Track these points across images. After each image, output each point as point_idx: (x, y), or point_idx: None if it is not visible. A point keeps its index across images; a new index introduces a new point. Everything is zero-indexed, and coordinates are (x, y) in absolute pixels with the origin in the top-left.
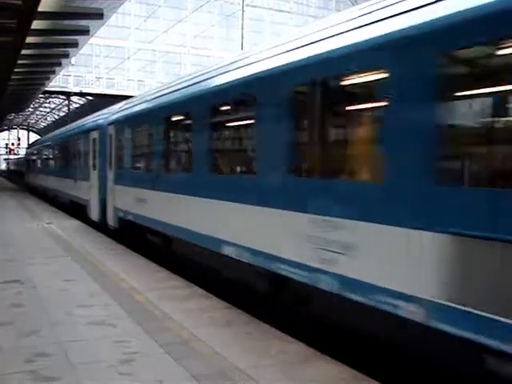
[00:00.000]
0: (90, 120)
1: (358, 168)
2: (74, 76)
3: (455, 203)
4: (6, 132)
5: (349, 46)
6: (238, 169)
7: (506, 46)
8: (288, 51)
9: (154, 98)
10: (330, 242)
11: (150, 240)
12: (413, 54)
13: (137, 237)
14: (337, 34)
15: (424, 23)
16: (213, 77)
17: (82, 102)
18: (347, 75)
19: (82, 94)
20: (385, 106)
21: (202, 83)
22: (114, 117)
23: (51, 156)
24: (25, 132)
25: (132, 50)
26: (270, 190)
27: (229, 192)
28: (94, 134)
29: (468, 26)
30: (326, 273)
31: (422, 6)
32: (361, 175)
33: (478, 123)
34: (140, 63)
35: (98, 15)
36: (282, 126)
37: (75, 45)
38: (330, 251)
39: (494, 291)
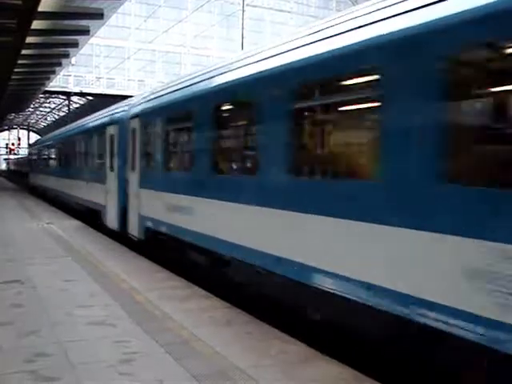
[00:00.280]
0: (104, 114)
1: None
2: (75, 76)
3: None
4: (6, 132)
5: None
6: (350, 169)
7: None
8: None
9: (200, 82)
10: None
11: (191, 258)
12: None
13: (171, 252)
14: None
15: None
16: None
17: (82, 102)
18: None
19: (82, 94)
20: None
21: (287, 55)
22: (139, 109)
23: (58, 155)
24: (25, 132)
25: (132, 49)
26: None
27: (339, 204)
28: (111, 130)
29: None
30: None
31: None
32: None
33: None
34: (140, 63)
35: (98, 15)
36: None
37: (75, 45)
38: None
39: None
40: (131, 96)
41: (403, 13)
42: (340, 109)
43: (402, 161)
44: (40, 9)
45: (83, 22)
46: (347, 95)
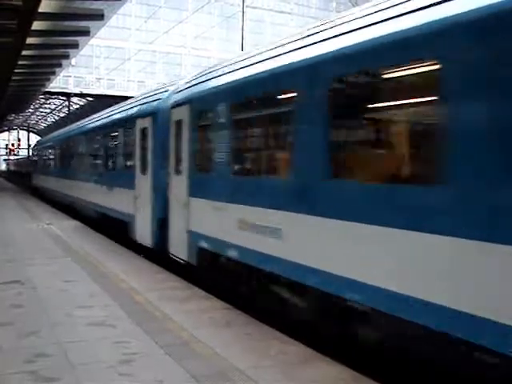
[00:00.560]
0: (131, 104)
1: None
2: (75, 77)
3: None
4: (6, 133)
5: None
6: None
7: None
8: None
9: (308, 46)
10: None
11: (277, 296)
12: None
13: (243, 285)
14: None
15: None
16: None
17: (82, 103)
18: None
19: (82, 95)
20: None
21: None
22: (187, 94)
23: (69, 155)
24: (25, 133)
25: (132, 50)
26: None
27: None
28: (143, 123)
29: None
30: None
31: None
32: None
33: None
34: (140, 64)
35: (99, 16)
36: None
37: (75, 46)
38: None
39: None
40: (131, 97)
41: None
42: None
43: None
44: (40, 10)
45: (83, 23)
46: None
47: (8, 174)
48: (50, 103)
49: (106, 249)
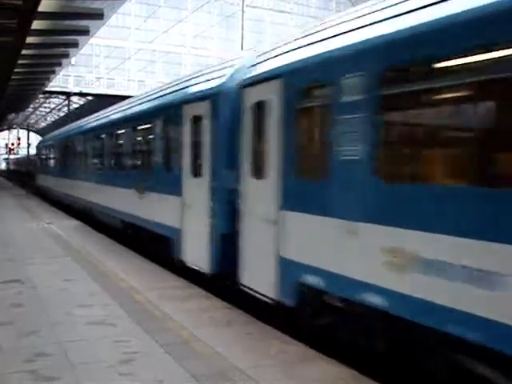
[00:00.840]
0: (175, 87)
1: None
2: (74, 76)
3: None
4: (6, 132)
5: None
6: None
7: None
8: None
9: None
10: None
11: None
12: None
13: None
14: None
15: None
16: None
17: (82, 102)
18: None
19: (82, 94)
20: None
21: None
22: (276, 65)
23: (86, 152)
24: (25, 132)
25: (132, 50)
26: None
27: None
28: (197, 109)
29: None
30: None
31: None
32: None
33: None
34: (140, 63)
35: (99, 15)
36: None
37: (75, 45)
38: None
39: None
40: (131, 96)
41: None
42: None
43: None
44: (40, 9)
45: (83, 22)
46: None
47: (8, 174)
48: (49, 102)
49: (106, 248)
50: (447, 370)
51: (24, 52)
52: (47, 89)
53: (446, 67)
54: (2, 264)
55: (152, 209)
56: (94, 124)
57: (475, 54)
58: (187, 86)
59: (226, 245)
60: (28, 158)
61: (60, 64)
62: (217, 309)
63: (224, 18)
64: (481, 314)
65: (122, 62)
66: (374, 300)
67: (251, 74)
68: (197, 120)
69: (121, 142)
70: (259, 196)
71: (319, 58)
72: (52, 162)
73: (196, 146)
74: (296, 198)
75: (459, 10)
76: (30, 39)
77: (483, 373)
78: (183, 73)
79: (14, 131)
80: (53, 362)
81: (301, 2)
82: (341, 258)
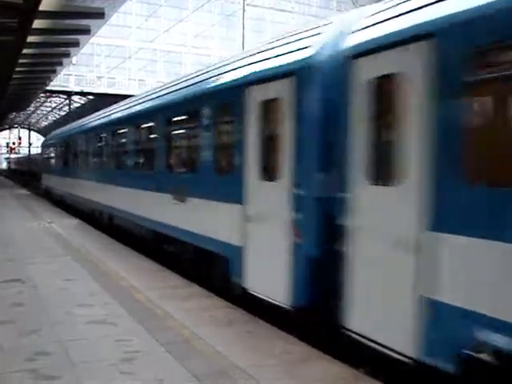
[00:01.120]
0: (231, 65)
1: None
2: (75, 75)
3: None
4: (7, 131)
5: None
6: None
7: None
8: None
9: None
10: None
11: None
12: None
13: None
14: None
15: None
16: None
17: (83, 102)
18: None
19: (83, 94)
20: None
21: None
22: (417, 22)
23: (108, 149)
24: (26, 131)
25: (133, 49)
26: None
27: None
28: (271, 91)
29: None
30: None
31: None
32: None
33: None
34: (141, 62)
35: (99, 14)
36: None
37: (76, 44)
38: None
39: None
40: (132, 95)
41: None
42: None
43: None
44: (41, 8)
45: (84, 22)
46: None
47: (9, 173)
48: (50, 102)
49: (107, 247)
50: None
51: (25, 51)
52: (48, 88)
53: None
54: (3, 263)
55: (196, 219)
56: (116, 117)
57: None
58: (250, 64)
59: (316, 271)
60: (29, 158)
61: (61, 63)
62: (217, 308)
63: (225, 17)
64: None
65: (123, 62)
66: None
67: (369, 38)
68: (269, 106)
69: (152, 137)
70: (385, 209)
71: None
72: (62, 161)
73: (267, 141)
74: (467, 214)
75: None
76: (30, 38)
77: None
78: (184, 72)
79: (15, 130)
80: (53, 361)
81: (302, 1)
82: None
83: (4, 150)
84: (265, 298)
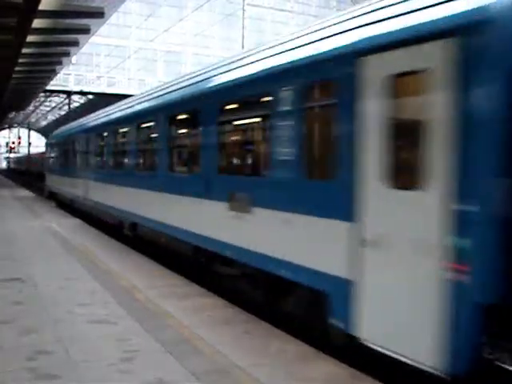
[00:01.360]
0: (328, 30)
1: None
2: (75, 75)
3: None
4: (7, 131)
5: None
6: None
7: None
8: None
9: None
10: None
11: None
12: None
13: None
14: None
15: None
16: None
17: (82, 101)
18: None
19: (82, 93)
20: None
21: None
22: None
23: (134, 147)
24: (25, 131)
25: (133, 48)
26: None
27: None
28: (409, 60)
29: None
30: None
31: None
32: None
33: None
34: (141, 62)
35: (99, 14)
36: None
37: (76, 44)
38: None
39: None
40: (132, 95)
41: None
42: None
43: None
44: (41, 7)
45: (84, 21)
46: None
47: (8, 172)
48: (50, 101)
49: (107, 247)
50: None
51: (24, 51)
52: (48, 87)
53: None
54: (3, 262)
55: (269, 236)
56: (149, 105)
57: None
58: (363, 26)
59: (490, 323)
60: (29, 157)
61: (60, 63)
62: (216, 307)
63: (225, 17)
64: None
65: (123, 61)
66: None
67: None
68: (404, 81)
69: (196, 131)
70: None
71: None
72: (72, 160)
73: (398, 133)
74: None
75: None
76: (30, 38)
77: None
78: (184, 72)
79: (15, 130)
80: (54, 360)
81: (301, 1)
82: None
83: (4, 149)
84: (395, 357)
